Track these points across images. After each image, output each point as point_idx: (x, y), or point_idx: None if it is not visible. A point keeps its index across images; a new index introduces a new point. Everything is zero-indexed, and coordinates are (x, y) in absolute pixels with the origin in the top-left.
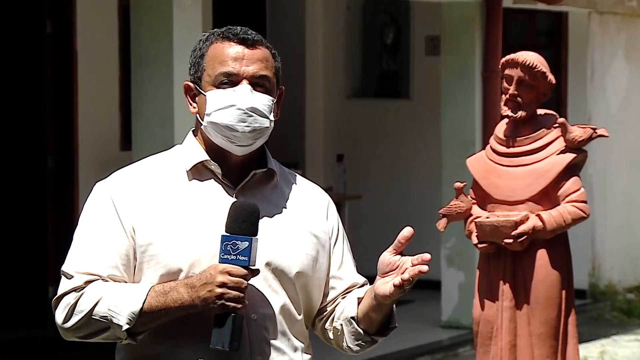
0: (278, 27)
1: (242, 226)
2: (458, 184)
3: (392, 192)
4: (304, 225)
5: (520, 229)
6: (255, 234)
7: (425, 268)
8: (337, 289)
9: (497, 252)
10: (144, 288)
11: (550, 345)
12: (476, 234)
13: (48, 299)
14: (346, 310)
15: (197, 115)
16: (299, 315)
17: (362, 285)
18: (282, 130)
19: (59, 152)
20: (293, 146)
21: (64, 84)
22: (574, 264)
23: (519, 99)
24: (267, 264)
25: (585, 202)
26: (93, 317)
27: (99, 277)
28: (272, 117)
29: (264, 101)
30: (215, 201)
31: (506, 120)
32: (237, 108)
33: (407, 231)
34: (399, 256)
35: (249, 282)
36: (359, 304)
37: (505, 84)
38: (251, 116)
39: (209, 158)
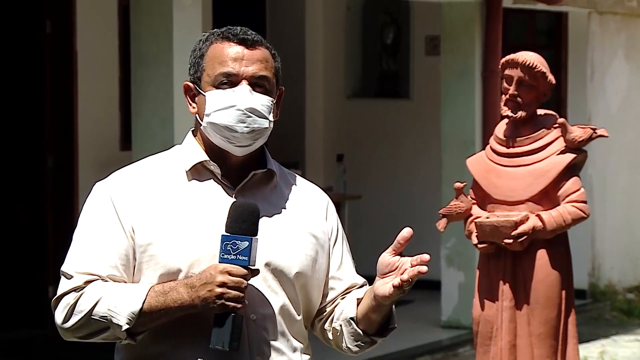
0: (278, 27)
1: (242, 226)
2: (458, 184)
3: (392, 192)
4: (304, 226)
5: (520, 229)
6: (255, 234)
7: (424, 269)
8: (337, 290)
9: (497, 252)
10: (143, 288)
11: (550, 345)
12: (476, 234)
13: (48, 299)
14: (345, 311)
15: (197, 115)
16: (298, 315)
17: (362, 286)
18: (282, 130)
19: (59, 152)
20: (293, 146)
21: (64, 84)
22: (574, 264)
23: (519, 99)
24: (267, 265)
25: (585, 202)
26: (93, 317)
27: (98, 277)
28: (271, 118)
29: (263, 102)
30: (215, 201)
31: (506, 120)
32: (237, 109)
33: (406, 232)
34: (398, 257)
35: (249, 282)
36: (358, 304)
37: (505, 84)
38: (250, 117)
39: (208, 158)
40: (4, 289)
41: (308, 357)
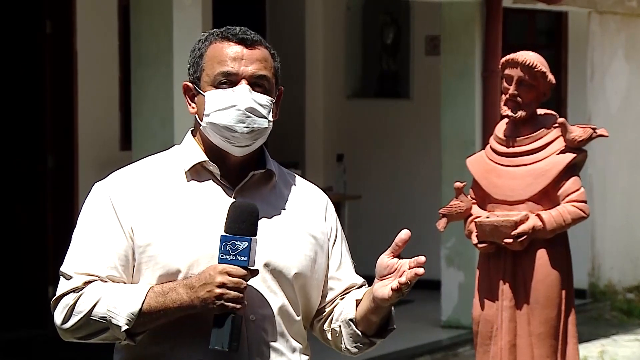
0: (278, 27)
1: (241, 226)
2: (458, 184)
3: (392, 192)
4: (303, 226)
5: (520, 228)
6: (255, 235)
7: (421, 271)
8: (336, 290)
9: (497, 252)
10: (143, 289)
11: (550, 345)
12: (476, 233)
13: (48, 299)
14: (344, 312)
15: (196, 115)
16: (298, 316)
17: (361, 286)
18: (282, 130)
19: (59, 152)
20: (293, 146)
21: (64, 84)
22: (574, 264)
23: (518, 98)
24: (266, 265)
25: (585, 202)
26: (92, 317)
27: (97, 278)
28: (270, 118)
29: (262, 101)
30: (214, 202)
31: (506, 120)
32: (237, 109)
33: (404, 234)
34: (397, 259)
35: (248, 282)
36: (357, 306)
37: (505, 84)
38: (250, 117)
39: (207, 159)
40: (4, 289)
41: (307, 357)
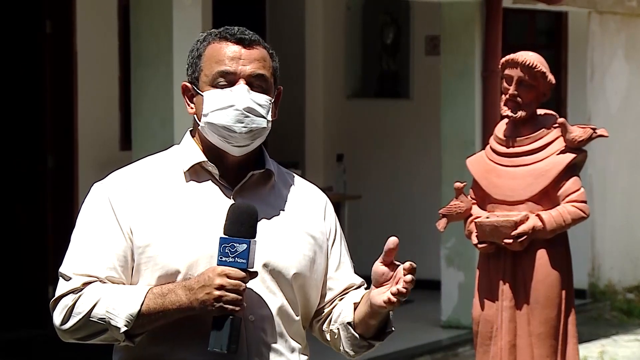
0: (278, 27)
1: (240, 228)
2: (458, 184)
3: (392, 192)
4: (302, 226)
5: (520, 229)
6: (254, 237)
7: (409, 277)
8: (335, 290)
9: (497, 252)
10: (142, 290)
11: (550, 345)
12: (476, 234)
13: (48, 299)
14: (342, 314)
15: (195, 115)
16: (297, 316)
17: (359, 287)
18: (282, 130)
19: (59, 152)
20: (293, 146)
21: (64, 84)
22: (574, 264)
23: (518, 99)
24: (265, 265)
25: (585, 202)
26: (91, 319)
27: (96, 279)
28: (269, 117)
29: (261, 101)
30: (213, 202)
31: (506, 120)
32: (235, 109)
33: (391, 242)
34: (391, 266)
35: (247, 284)
36: (355, 309)
37: (505, 84)
38: (248, 116)
39: (206, 159)
40: (4, 289)
41: (306, 357)
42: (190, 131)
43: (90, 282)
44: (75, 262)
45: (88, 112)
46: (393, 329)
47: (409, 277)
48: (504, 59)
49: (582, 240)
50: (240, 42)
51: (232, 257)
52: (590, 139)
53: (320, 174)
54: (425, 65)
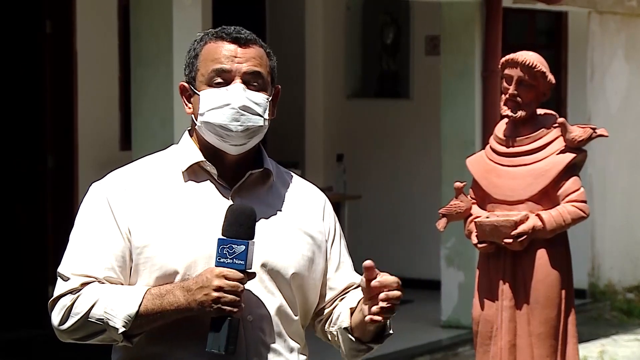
0: (278, 27)
1: (238, 230)
2: (458, 184)
3: (392, 192)
4: (300, 226)
5: (520, 228)
6: (252, 238)
7: (383, 296)
8: (335, 290)
9: (497, 252)
10: (140, 291)
11: (550, 345)
12: (476, 233)
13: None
14: (340, 318)
15: (192, 115)
16: (295, 316)
17: (359, 285)
18: (282, 130)
19: (59, 152)
20: (293, 146)
21: (64, 84)
22: (574, 264)
23: (518, 98)
24: (263, 265)
25: (585, 201)
26: (89, 319)
27: (95, 279)
28: (266, 116)
29: (257, 99)
30: (211, 202)
31: (506, 120)
32: (231, 107)
33: (365, 265)
34: (378, 275)
35: (245, 285)
36: (351, 314)
37: (505, 84)
38: (244, 115)
39: (204, 159)
40: (4, 289)
41: (305, 357)
42: (189, 131)
43: (88, 283)
44: (73, 263)
45: (88, 112)
46: (391, 331)
47: (382, 295)
48: (504, 59)
49: (582, 240)
50: (236, 40)
51: (230, 259)
52: (590, 138)
53: (320, 174)
54: (425, 65)
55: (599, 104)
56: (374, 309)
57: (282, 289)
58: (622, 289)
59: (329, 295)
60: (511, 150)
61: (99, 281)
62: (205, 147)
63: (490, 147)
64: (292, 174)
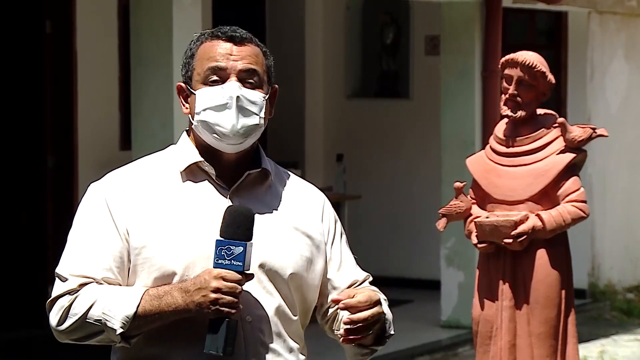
0: (278, 27)
1: (237, 231)
2: (458, 184)
3: (392, 192)
4: (299, 226)
5: (520, 228)
6: (250, 239)
7: (347, 320)
8: (338, 289)
9: (497, 252)
10: (138, 292)
11: (550, 345)
12: (476, 233)
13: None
14: (340, 322)
15: (189, 115)
16: (295, 316)
17: (364, 281)
18: (282, 130)
19: (59, 152)
20: (293, 146)
21: (64, 84)
22: (574, 264)
23: (518, 98)
24: (261, 266)
25: (585, 201)
26: (87, 320)
27: (93, 280)
28: (262, 115)
29: (253, 97)
30: (209, 202)
31: (506, 120)
32: (227, 106)
33: (333, 300)
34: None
35: (243, 286)
36: None
37: (505, 84)
38: (240, 113)
39: (202, 159)
40: (4, 289)
41: (304, 357)
42: (187, 131)
43: (86, 283)
44: (71, 263)
45: (88, 112)
46: (392, 332)
47: (346, 319)
48: (503, 59)
49: (582, 240)
50: (231, 39)
51: (228, 260)
52: (590, 138)
53: (320, 174)
54: (425, 65)
55: (598, 104)
56: (340, 331)
57: (280, 289)
58: (622, 289)
59: (333, 295)
60: (511, 150)
61: (97, 282)
62: (203, 147)
63: (490, 147)
64: (291, 174)
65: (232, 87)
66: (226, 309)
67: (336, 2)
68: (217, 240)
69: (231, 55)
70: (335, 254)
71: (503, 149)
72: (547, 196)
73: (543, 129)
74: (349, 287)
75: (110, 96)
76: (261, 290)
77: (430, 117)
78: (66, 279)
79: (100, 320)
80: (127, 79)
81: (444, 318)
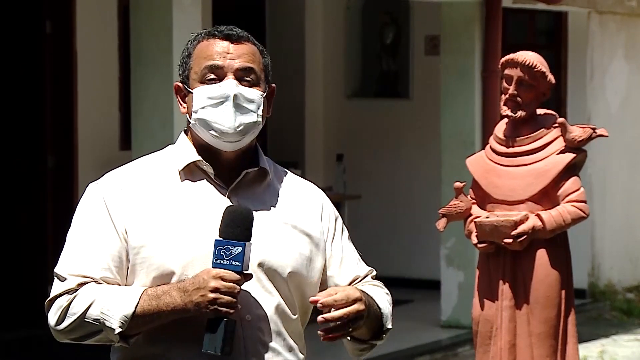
0: (278, 27)
1: (235, 231)
2: (458, 184)
3: (392, 192)
4: (298, 225)
5: (520, 228)
6: (249, 239)
7: (320, 319)
8: (341, 286)
9: (497, 252)
10: (136, 291)
11: (550, 344)
12: (476, 233)
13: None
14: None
15: (187, 114)
16: (294, 315)
17: (366, 276)
18: (282, 130)
19: (59, 152)
20: (293, 146)
21: (64, 84)
22: (574, 264)
23: (518, 98)
24: (260, 265)
25: (584, 201)
26: (86, 319)
27: (91, 280)
28: (260, 112)
29: (251, 95)
30: (208, 202)
31: (506, 120)
32: (225, 103)
33: (312, 300)
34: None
35: (242, 286)
36: None
37: (504, 84)
38: (238, 111)
39: (201, 158)
40: (4, 289)
41: (303, 356)
42: (185, 131)
43: (85, 283)
44: (70, 263)
45: (88, 112)
46: (390, 326)
47: (320, 318)
48: (503, 59)
49: (582, 240)
50: (228, 37)
51: (227, 260)
52: (590, 138)
53: (320, 173)
54: (425, 65)
55: (598, 103)
56: (319, 331)
57: (279, 288)
58: (622, 288)
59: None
60: (511, 150)
61: (95, 281)
62: (201, 146)
63: (490, 147)
64: (290, 172)
65: (230, 85)
66: (224, 309)
67: (336, 2)
68: (215, 240)
69: (228, 53)
70: (336, 250)
71: (503, 149)
72: (547, 196)
73: (543, 129)
74: (350, 283)
75: (110, 96)
76: (260, 289)
77: (430, 117)
78: (65, 279)
79: (99, 319)
80: (127, 79)
81: (444, 318)
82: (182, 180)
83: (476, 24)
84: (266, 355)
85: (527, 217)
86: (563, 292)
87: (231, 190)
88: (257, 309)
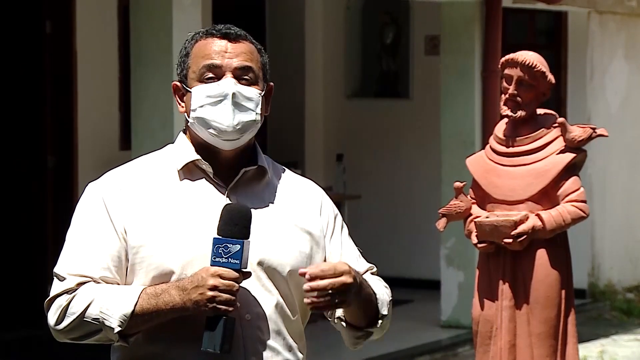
0: (278, 27)
1: (234, 229)
2: (457, 184)
3: (392, 192)
4: (297, 223)
5: (520, 228)
6: (247, 237)
7: (307, 287)
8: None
9: (497, 252)
10: (135, 290)
11: (550, 344)
12: (476, 233)
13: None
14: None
15: (185, 114)
16: (294, 314)
17: (365, 272)
18: (281, 130)
19: (59, 152)
20: (293, 146)
21: (64, 84)
22: (574, 264)
23: (518, 98)
24: (260, 263)
25: (584, 201)
26: (85, 319)
27: (91, 279)
28: (258, 111)
29: (249, 94)
30: (207, 201)
31: (506, 120)
32: (223, 102)
33: (300, 272)
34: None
35: (241, 284)
36: None
37: (504, 84)
38: (236, 109)
39: (200, 157)
40: (4, 288)
41: (302, 356)
42: (184, 130)
43: (84, 283)
44: (69, 263)
45: (88, 112)
46: (385, 312)
47: (306, 286)
48: (503, 59)
49: (582, 240)
50: (226, 36)
51: (225, 258)
52: (590, 138)
53: (320, 173)
54: (425, 65)
55: (598, 103)
56: (304, 300)
57: (279, 286)
58: (622, 288)
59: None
60: (511, 150)
61: (94, 281)
62: (200, 146)
63: (490, 147)
64: (288, 170)
65: (228, 83)
66: (223, 307)
67: (336, 2)
68: (214, 238)
69: (226, 52)
70: (335, 247)
71: (503, 149)
72: (547, 196)
73: (543, 129)
74: None
75: (110, 96)
76: (260, 287)
77: (430, 117)
78: (64, 279)
79: (98, 319)
80: (127, 79)
81: (444, 318)
82: (181, 180)
83: (476, 24)
84: (265, 355)
85: (527, 217)
86: (563, 292)
87: (230, 189)
88: (257, 308)
